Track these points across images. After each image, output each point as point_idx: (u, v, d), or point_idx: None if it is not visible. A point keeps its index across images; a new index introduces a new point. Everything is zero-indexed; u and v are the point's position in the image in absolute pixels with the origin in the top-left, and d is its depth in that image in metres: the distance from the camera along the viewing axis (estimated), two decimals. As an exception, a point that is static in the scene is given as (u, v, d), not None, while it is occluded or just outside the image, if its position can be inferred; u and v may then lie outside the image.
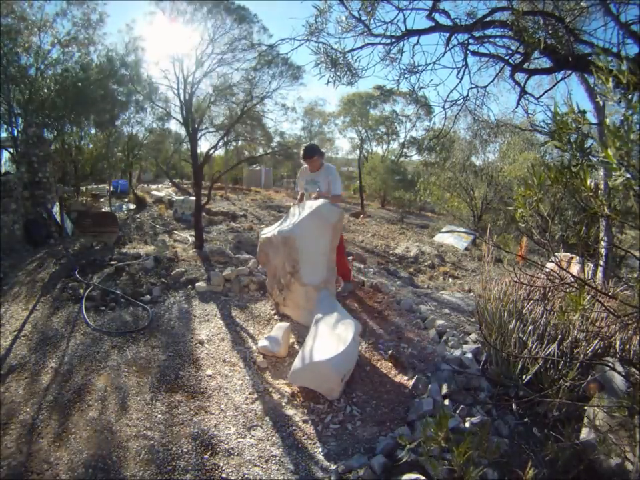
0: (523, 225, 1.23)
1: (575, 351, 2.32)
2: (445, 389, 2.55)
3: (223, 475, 1.99)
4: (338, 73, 2.84)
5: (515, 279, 2.15)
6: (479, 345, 3.04)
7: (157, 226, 7.00)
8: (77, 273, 4.10)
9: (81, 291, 3.76)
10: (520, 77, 2.94)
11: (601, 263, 4.20)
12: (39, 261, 4.65)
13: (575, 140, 1.03)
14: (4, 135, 7.54)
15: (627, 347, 2.25)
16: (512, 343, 2.54)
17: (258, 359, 2.96)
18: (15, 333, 3.14)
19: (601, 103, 3.73)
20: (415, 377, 2.80)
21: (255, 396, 2.60)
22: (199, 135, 5.37)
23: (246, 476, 1.99)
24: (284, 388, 2.69)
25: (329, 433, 2.34)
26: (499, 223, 9.76)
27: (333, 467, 2.06)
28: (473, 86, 3.09)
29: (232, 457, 2.10)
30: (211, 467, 2.02)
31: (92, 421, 2.28)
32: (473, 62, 3.40)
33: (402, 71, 2.86)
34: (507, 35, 2.74)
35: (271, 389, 2.68)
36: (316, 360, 2.52)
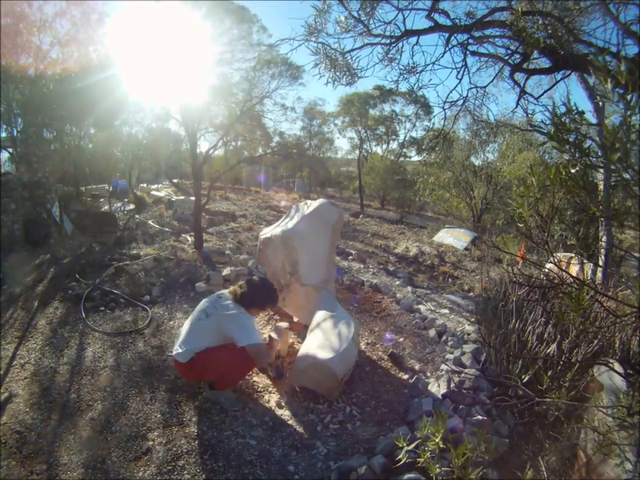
0: (522, 225, 1.23)
1: (575, 351, 2.32)
2: (444, 389, 2.55)
3: (223, 476, 1.99)
4: (337, 73, 2.84)
5: (514, 280, 2.15)
6: (479, 344, 3.05)
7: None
8: (76, 273, 4.10)
9: (81, 291, 3.76)
10: (519, 77, 2.95)
11: (601, 262, 4.20)
12: (38, 262, 4.64)
13: (573, 141, 1.02)
14: (4, 135, 7.53)
15: (626, 347, 2.25)
16: (512, 343, 2.54)
17: (258, 359, 2.96)
18: (16, 334, 3.14)
19: (600, 103, 3.73)
20: (415, 377, 2.80)
21: (255, 396, 2.60)
22: (198, 134, 5.35)
23: (246, 476, 2.00)
24: (284, 388, 2.69)
25: (329, 433, 2.34)
26: (499, 222, 9.76)
27: (333, 466, 2.07)
28: (472, 86, 3.10)
29: (232, 457, 2.10)
30: (210, 467, 2.03)
31: (92, 421, 2.28)
32: (473, 62, 3.41)
33: (401, 71, 2.86)
34: (507, 35, 2.74)
35: (270, 389, 2.68)
36: (315, 360, 2.52)
